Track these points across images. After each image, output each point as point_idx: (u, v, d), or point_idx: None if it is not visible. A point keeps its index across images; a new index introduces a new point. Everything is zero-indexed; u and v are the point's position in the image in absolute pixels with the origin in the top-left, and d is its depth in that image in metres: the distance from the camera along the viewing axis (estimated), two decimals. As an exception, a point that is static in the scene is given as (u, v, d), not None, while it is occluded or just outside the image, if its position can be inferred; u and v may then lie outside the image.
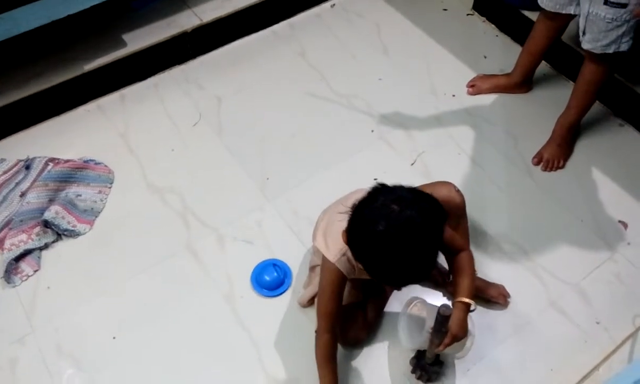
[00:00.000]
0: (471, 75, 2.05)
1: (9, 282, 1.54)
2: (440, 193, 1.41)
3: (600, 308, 1.50)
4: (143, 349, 1.43)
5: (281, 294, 1.52)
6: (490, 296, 1.48)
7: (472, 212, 1.65)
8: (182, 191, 1.74)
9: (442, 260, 1.51)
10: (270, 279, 1.52)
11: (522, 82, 1.97)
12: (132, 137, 1.89)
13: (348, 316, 1.38)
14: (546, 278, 1.55)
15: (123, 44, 2.00)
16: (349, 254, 1.18)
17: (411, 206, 1.06)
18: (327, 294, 1.26)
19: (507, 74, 1.99)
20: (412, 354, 1.37)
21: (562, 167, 1.79)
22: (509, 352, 1.42)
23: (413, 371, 1.36)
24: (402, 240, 1.04)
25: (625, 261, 1.58)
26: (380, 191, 1.11)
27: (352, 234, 1.11)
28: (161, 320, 1.48)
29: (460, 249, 1.29)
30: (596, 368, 1.38)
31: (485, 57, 2.14)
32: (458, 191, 1.45)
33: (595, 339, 1.44)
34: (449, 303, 1.23)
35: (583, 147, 1.85)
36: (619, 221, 1.66)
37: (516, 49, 1.99)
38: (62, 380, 1.39)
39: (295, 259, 1.57)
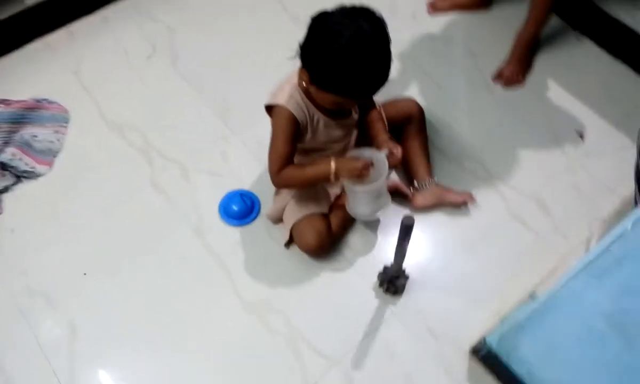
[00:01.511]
0: (431, -6, 2.03)
1: (-30, 228, 1.51)
2: (401, 104, 1.52)
3: (558, 216, 1.56)
4: (115, 285, 1.44)
5: (250, 223, 1.53)
6: (455, 200, 1.52)
7: (433, 131, 1.68)
8: (142, 127, 1.71)
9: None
10: (238, 208, 1.53)
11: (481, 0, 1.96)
12: (85, 74, 1.82)
13: (312, 224, 1.41)
14: (506, 191, 1.60)
15: (67, -25, 1.89)
16: (298, 96, 1.29)
17: (360, 16, 1.16)
18: (281, 138, 1.31)
19: (466, -8, 1.98)
20: (380, 270, 1.41)
21: (522, 82, 1.81)
22: (471, 262, 1.48)
23: (380, 285, 1.41)
24: (365, 46, 1.15)
25: (583, 171, 1.63)
26: (324, 14, 1.20)
27: (314, 57, 1.19)
28: (131, 255, 1.48)
29: (374, 105, 1.45)
30: (555, 269, 1.45)
31: (444, -24, 2.10)
32: (418, 104, 1.56)
33: (554, 245, 1.51)
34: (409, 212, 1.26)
35: (542, 62, 1.87)
36: (577, 133, 1.70)
37: (476, -33, 1.97)
38: (36, 319, 1.39)
39: (262, 189, 1.57)
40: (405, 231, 1.19)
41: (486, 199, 1.58)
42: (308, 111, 1.32)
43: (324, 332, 1.38)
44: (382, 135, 1.40)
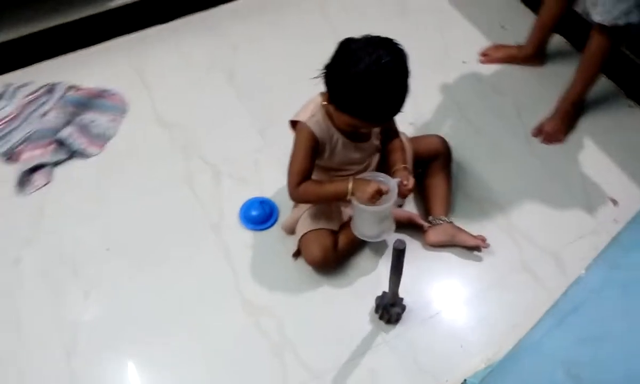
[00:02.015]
0: (486, 44, 2.06)
1: (22, 191, 1.68)
2: (428, 140, 1.56)
3: (574, 277, 1.50)
4: (132, 266, 1.54)
5: (265, 229, 1.60)
6: (467, 242, 1.52)
7: (461, 172, 1.70)
8: (187, 128, 1.84)
9: (410, 208, 1.57)
10: (257, 214, 1.60)
11: (535, 54, 1.96)
12: (149, 74, 2.00)
13: (319, 238, 1.45)
14: (524, 243, 1.56)
15: (149, -15, 2.10)
16: (319, 116, 1.35)
17: (382, 47, 1.22)
18: (300, 154, 1.38)
19: (520, 46, 1.99)
20: (379, 294, 1.42)
21: (562, 140, 1.78)
22: (474, 306, 1.46)
23: (376, 310, 1.42)
24: (381, 75, 1.20)
25: (608, 236, 1.55)
26: (350, 40, 1.25)
27: (334, 78, 1.26)
28: (153, 241, 1.59)
29: (397, 135, 1.48)
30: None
31: (503, 27, 2.13)
32: (445, 142, 1.59)
33: (564, 306, 1.46)
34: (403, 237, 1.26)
35: (587, 124, 1.83)
36: (610, 198, 1.65)
37: (536, 23, 1.98)
38: (61, 283, 1.51)
39: (284, 200, 1.62)
40: (397, 256, 1.20)
41: (502, 247, 1.55)
42: (328, 131, 1.38)
43: (313, 346, 1.40)
44: (398, 164, 1.43)
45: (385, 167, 1.48)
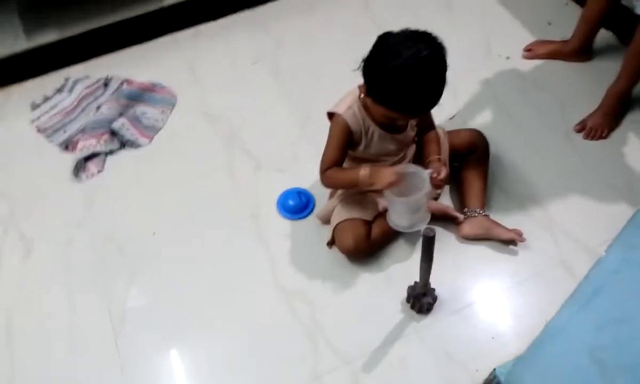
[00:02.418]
0: (530, 39, 2.03)
1: (76, 177, 1.80)
2: (466, 133, 1.58)
3: (614, 275, 1.48)
4: (177, 250, 1.62)
5: (301, 218, 1.64)
6: (502, 236, 1.51)
7: (499, 168, 1.70)
8: (232, 120, 1.92)
9: (446, 201, 1.58)
10: (294, 203, 1.65)
11: (580, 49, 1.92)
12: (198, 69, 2.09)
13: (352, 228, 1.48)
14: (561, 239, 1.54)
15: (200, -16, 2.19)
16: (356, 108, 1.39)
17: (421, 40, 1.24)
18: (332, 144, 1.42)
19: (565, 41, 1.95)
20: (411, 283, 1.44)
21: (605, 137, 1.74)
22: (508, 300, 1.46)
23: (408, 299, 1.44)
24: (419, 69, 1.22)
25: (652, 234, 1.53)
26: (389, 34, 1.28)
27: (372, 71, 1.28)
28: (194, 226, 1.67)
29: (432, 128, 1.51)
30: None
31: (549, 23, 2.10)
32: (483, 136, 1.59)
33: (601, 303, 1.43)
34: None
35: (633, 121, 1.78)
36: (653, 196, 1.60)
37: (582, 19, 1.94)
38: (109, 266, 1.61)
39: (320, 191, 1.67)
40: (427, 244, 1.22)
41: (539, 241, 1.54)
42: (364, 123, 1.41)
43: (344, 332, 1.43)
44: (432, 156, 1.45)
45: (420, 158, 1.50)
